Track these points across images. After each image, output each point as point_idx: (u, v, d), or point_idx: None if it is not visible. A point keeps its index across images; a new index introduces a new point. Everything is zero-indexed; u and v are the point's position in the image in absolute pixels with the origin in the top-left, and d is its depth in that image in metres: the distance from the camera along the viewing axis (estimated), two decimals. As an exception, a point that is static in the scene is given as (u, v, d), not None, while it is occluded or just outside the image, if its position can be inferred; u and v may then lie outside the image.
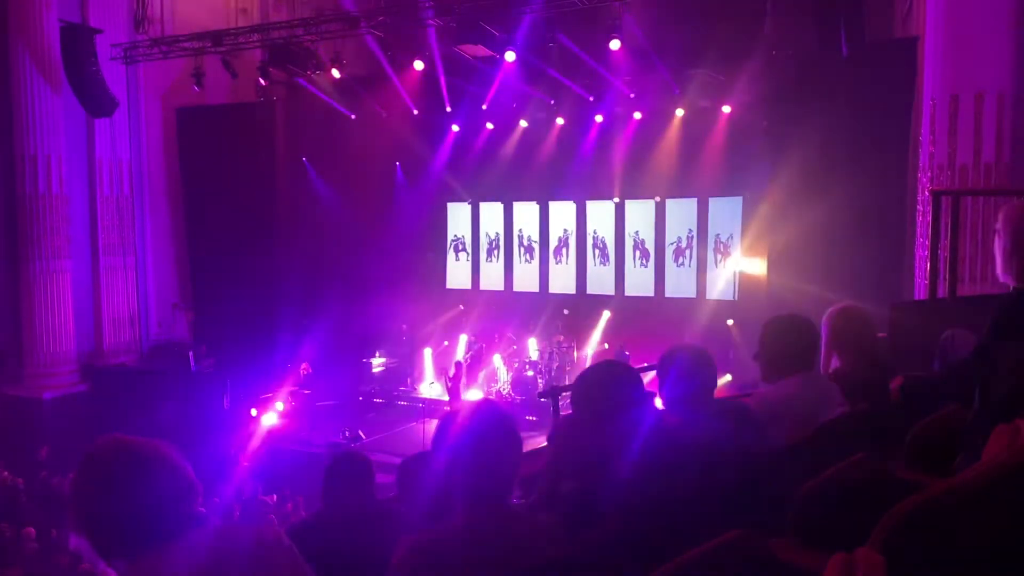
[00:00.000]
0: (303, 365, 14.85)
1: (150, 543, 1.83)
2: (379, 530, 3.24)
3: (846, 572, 1.12)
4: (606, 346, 15.41)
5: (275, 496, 11.19)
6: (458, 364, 15.03)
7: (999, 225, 2.71)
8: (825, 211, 10.58)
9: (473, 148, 17.04)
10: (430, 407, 14.19)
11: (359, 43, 13.80)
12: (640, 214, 16.67)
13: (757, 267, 13.89)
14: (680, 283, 16.20)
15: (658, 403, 3.05)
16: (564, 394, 4.64)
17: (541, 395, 14.05)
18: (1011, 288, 2.65)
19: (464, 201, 18.37)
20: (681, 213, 16.20)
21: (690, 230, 16.07)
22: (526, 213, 17.87)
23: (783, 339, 3.36)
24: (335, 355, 15.74)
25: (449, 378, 14.73)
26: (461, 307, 17.43)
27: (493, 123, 16.57)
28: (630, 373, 2.65)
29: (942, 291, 5.70)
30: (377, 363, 16.61)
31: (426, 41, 13.53)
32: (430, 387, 15.93)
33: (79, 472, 1.88)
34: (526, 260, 17.96)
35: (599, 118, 15.65)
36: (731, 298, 15.04)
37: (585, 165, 16.28)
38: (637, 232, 16.69)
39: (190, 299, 16.54)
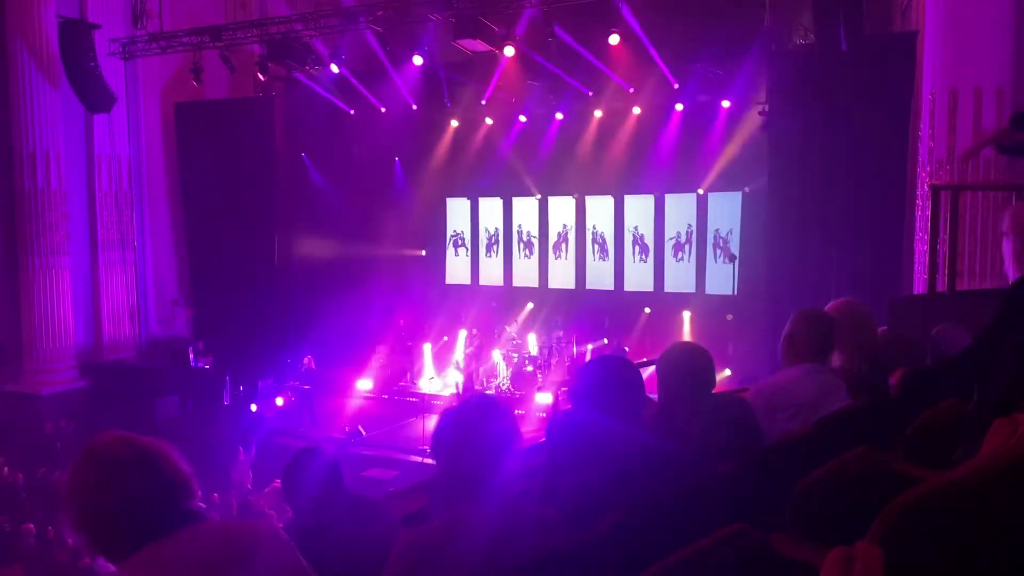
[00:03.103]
0: (307, 358, 14.86)
1: (145, 539, 1.83)
2: (366, 526, 3.23)
3: (845, 566, 1.12)
4: (605, 341, 15.41)
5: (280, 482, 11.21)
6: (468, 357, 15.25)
7: (1006, 227, 2.67)
8: (824, 205, 10.58)
9: (472, 143, 17.02)
10: (430, 402, 14.18)
11: (358, 38, 13.77)
12: (639, 209, 16.67)
13: (756, 262, 13.89)
14: (679, 278, 16.21)
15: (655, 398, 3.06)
16: (563, 389, 4.65)
17: (540, 390, 14.13)
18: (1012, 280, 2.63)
19: (463, 196, 18.36)
20: (680, 208, 16.20)
21: (689, 225, 16.07)
22: (525, 208, 17.87)
23: (799, 329, 3.38)
24: (334, 350, 15.74)
25: (462, 371, 14.89)
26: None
27: (492, 118, 16.55)
28: (627, 368, 2.65)
29: (941, 285, 5.71)
30: (377, 358, 16.60)
31: (425, 36, 13.51)
32: (430, 382, 15.93)
33: (77, 466, 1.88)
34: (525, 255, 17.96)
35: (598, 113, 15.64)
36: (730, 293, 15.03)
37: (584, 160, 16.27)
38: (636, 227, 16.69)
39: (189, 295, 16.53)
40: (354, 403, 15.39)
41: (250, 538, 1.98)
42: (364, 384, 15.88)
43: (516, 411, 12.88)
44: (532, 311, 16.79)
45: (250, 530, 2.04)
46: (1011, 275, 2.68)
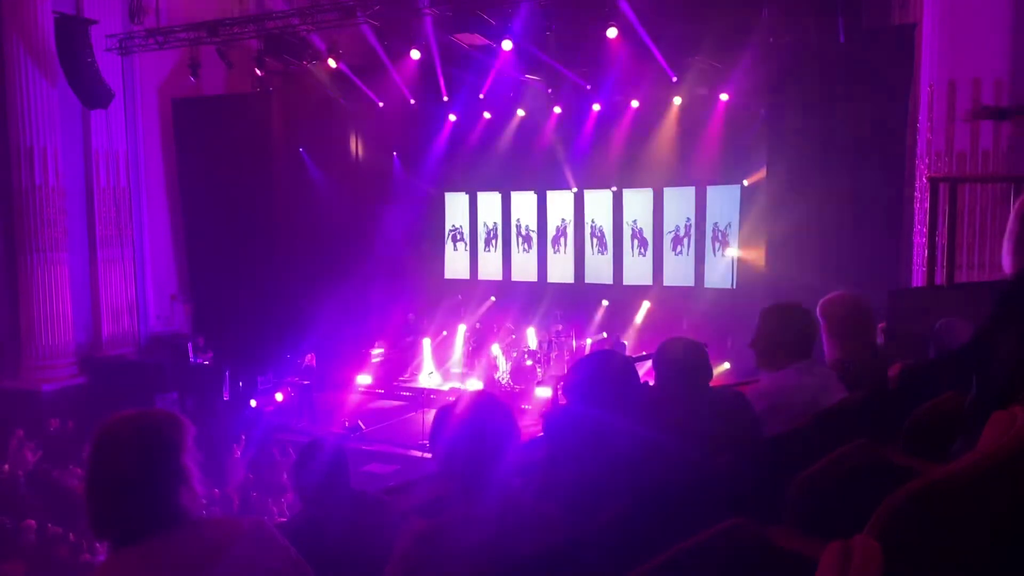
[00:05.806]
0: (309, 356, 14.85)
1: (147, 530, 1.83)
2: (366, 522, 3.23)
3: (843, 559, 1.12)
4: (604, 335, 15.41)
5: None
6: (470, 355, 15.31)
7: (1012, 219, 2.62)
8: (823, 198, 10.57)
9: (470, 138, 17.00)
10: (429, 397, 14.20)
11: (355, 32, 13.74)
12: (638, 203, 16.65)
13: (755, 255, 13.88)
14: (678, 272, 16.19)
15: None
16: (560, 383, 4.65)
17: (540, 384, 14.14)
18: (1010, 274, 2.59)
19: (462, 191, 18.33)
20: (679, 202, 16.18)
21: (688, 219, 16.05)
22: (524, 203, 17.85)
23: (780, 328, 3.36)
24: (334, 346, 15.73)
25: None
26: (460, 296, 17.46)
27: (490, 112, 16.52)
28: (623, 362, 2.65)
29: (940, 278, 5.71)
30: (376, 353, 16.61)
31: (422, 30, 13.48)
32: (429, 377, 15.94)
33: (97, 438, 1.88)
34: (524, 250, 17.95)
35: (596, 107, 15.60)
36: (729, 286, 15.03)
37: (583, 154, 16.25)
38: (635, 221, 16.68)
39: (188, 290, 16.52)
40: (353, 398, 15.40)
41: (251, 534, 1.98)
42: (363, 379, 15.89)
43: (523, 406, 13.00)
44: (531, 306, 16.76)
45: (231, 525, 2.03)
46: (1006, 267, 2.65)
